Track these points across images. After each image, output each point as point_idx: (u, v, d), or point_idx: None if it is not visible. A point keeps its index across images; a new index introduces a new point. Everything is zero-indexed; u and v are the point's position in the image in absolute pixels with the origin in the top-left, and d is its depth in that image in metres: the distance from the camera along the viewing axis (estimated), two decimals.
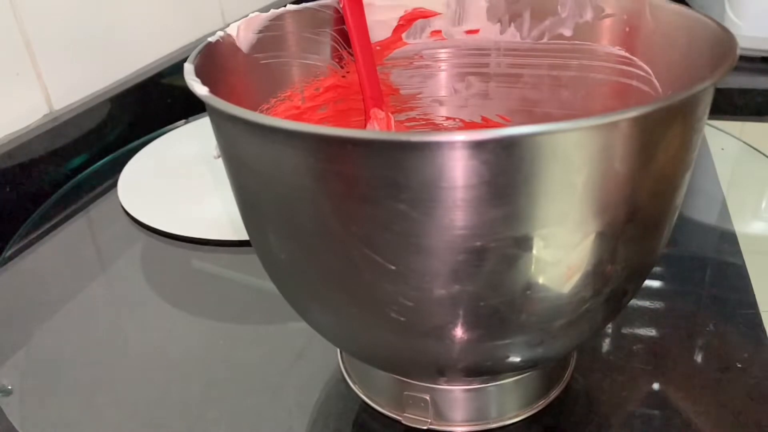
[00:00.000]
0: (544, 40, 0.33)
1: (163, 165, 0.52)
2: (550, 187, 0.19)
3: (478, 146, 0.17)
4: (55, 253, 0.43)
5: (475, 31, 0.34)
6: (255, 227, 0.25)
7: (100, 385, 0.32)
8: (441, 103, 0.37)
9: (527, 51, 0.33)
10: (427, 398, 0.28)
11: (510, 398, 0.29)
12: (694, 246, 0.42)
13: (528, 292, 0.21)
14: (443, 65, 0.36)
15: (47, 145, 0.49)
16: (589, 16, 0.31)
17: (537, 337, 0.23)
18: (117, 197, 0.48)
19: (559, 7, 0.32)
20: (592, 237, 0.20)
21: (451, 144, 0.17)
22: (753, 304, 0.35)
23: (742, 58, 0.73)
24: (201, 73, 0.24)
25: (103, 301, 0.39)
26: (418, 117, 0.37)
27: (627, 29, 0.30)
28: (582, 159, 0.18)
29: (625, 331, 0.34)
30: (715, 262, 0.40)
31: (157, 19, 0.63)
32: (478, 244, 0.19)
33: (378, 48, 0.34)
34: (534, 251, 0.20)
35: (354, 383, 0.31)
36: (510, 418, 0.29)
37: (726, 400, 0.30)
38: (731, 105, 0.65)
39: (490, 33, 0.34)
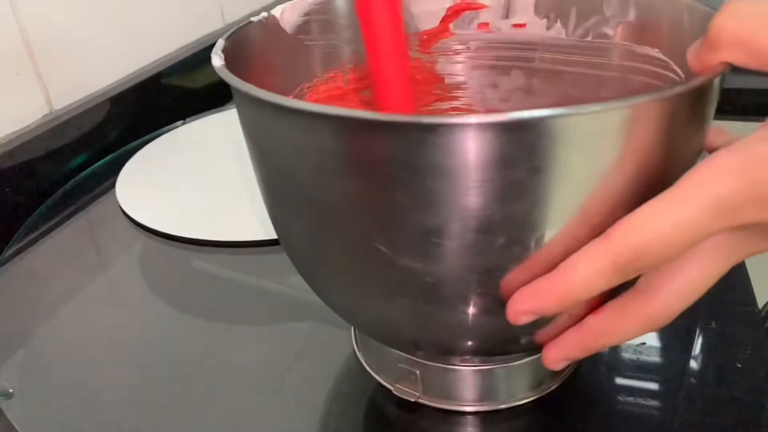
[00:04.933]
0: (588, 38, 0.33)
1: (161, 166, 0.52)
2: (567, 171, 0.19)
3: (489, 128, 0.18)
4: (54, 253, 0.43)
5: (522, 26, 0.34)
6: (275, 202, 0.25)
7: (100, 385, 0.32)
8: (484, 95, 0.37)
9: (570, 48, 0.34)
10: (417, 372, 0.28)
11: (515, 381, 0.29)
12: None
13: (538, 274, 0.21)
14: (488, 58, 0.36)
15: (47, 145, 0.49)
16: (632, 16, 0.31)
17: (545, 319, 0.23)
18: (116, 196, 0.48)
19: (604, 5, 0.32)
20: (608, 220, 0.20)
21: (463, 126, 0.18)
22: (753, 303, 0.35)
23: None
24: (236, 51, 0.25)
25: (102, 301, 0.39)
26: (461, 107, 0.37)
27: (665, 31, 0.30)
28: (597, 143, 0.19)
29: None
30: None
31: (157, 19, 0.63)
32: (496, 226, 0.20)
33: (425, 37, 0.35)
34: (546, 237, 0.20)
35: (359, 350, 0.32)
36: (517, 401, 0.29)
37: (726, 400, 0.30)
38: (731, 105, 0.65)
39: (536, 28, 0.34)
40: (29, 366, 0.34)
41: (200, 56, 0.66)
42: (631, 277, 0.19)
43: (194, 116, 0.60)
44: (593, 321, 0.22)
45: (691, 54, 0.22)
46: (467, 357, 0.28)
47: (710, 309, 0.35)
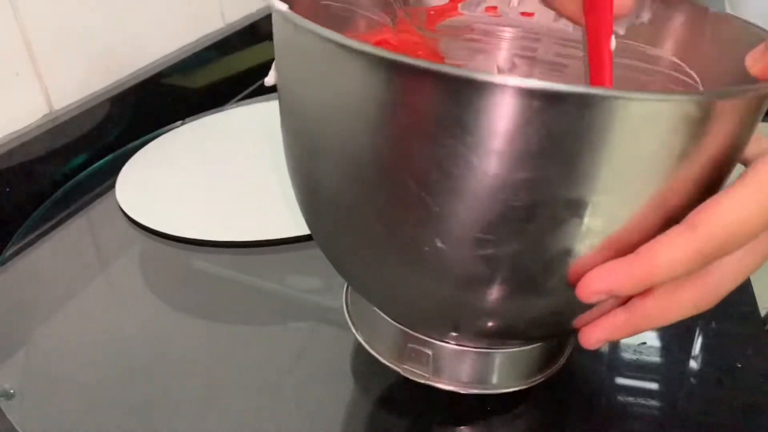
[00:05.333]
0: None
1: (160, 166, 0.52)
2: (614, 156, 0.19)
3: (552, 98, 0.17)
4: (54, 253, 0.43)
5: (530, 14, 0.34)
6: (304, 154, 0.25)
7: (100, 385, 0.32)
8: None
9: (577, 42, 0.33)
10: (430, 353, 0.28)
11: (513, 367, 0.29)
12: None
13: (567, 258, 0.21)
14: (492, 43, 0.35)
15: (47, 145, 0.49)
16: (646, 17, 0.31)
17: (561, 305, 0.23)
18: (116, 196, 0.48)
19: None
20: (643, 213, 0.20)
21: (524, 91, 0.17)
22: (753, 304, 0.35)
23: None
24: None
25: (102, 301, 0.39)
26: None
27: (683, 37, 0.30)
28: (654, 134, 0.18)
29: None
30: None
31: (157, 19, 0.63)
32: (528, 199, 0.19)
33: (432, 13, 0.34)
34: (584, 217, 0.20)
35: (357, 330, 0.31)
36: (511, 387, 0.29)
37: (726, 400, 0.30)
38: None
39: (544, 18, 0.34)
40: (29, 366, 0.34)
41: (200, 56, 0.66)
42: (709, 264, 0.20)
43: (194, 116, 0.60)
44: (643, 303, 0.22)
45: (753, 60, 0.23)
46: (468, 335, 0.27)
47: (710, 310, 0.35)
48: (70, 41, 0.53)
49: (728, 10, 0.74)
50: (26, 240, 0.44)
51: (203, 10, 0.69)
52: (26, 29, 0.49)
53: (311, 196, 0.26)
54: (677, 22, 0.30)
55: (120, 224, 0.46)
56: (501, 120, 0.18)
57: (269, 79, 0.26)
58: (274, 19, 0.24)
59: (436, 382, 0.29)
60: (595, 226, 0.20)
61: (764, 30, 0.26)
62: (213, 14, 0.71)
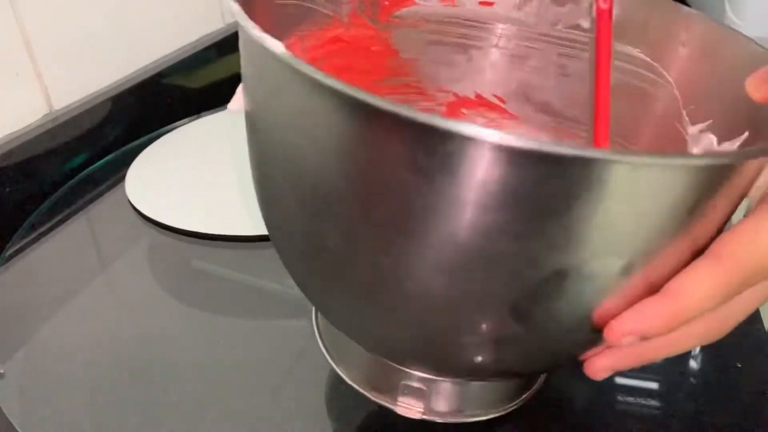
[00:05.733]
0: (559, 26, 0.31)
1: (169, 162, 0.52)
2: (594, 218, 0.17)
3: (520, 156, 0.16)
4: (54, 252, 0.43)
5: (490, 4, 0.33)
6: (271, 191, 0.24)
7: (100, 385, 0.32)
8: (437, 73, 0.34)
9: (539, 35, 0.32)
10: (425, 389, 0.27)
11: (491, 393, 0.29)
12: None
13: (531, 313, 0.20)
14: (448, 34, 0.34)
15: (47, 145, 0.49)
16: (613, 12, 0.30)
17: (562, 346, 0.22)
18: (116, 196, 0.48)
19: None
20: (622, 279, 0.19)
21: (510, 150, 0.16)
22: None
23: None
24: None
25: (102, 301, 0.39)
26: (411, 84, 0.34)
27: (653, 34, 0.29)
28: (646, 196, 0.17)
29: None
30: None
31: (157, 19, 0.63)
32: (492, 252, 0.18)
33: (386, 3, 0.32)
34: (569, 279, 0.19)
35: (335, 363, 0.30)
36: (493, 413, 0.28)
37: (726, 400, 0.30)
38: None
39: (504, 8, 0.32)
40: (29, 365, 0.34)
41: (200, 56, 0.66)
42: (738, 294, 0.20)
43: (198, 114, 0.60)
44: None
45: (755, 87, 0.22)
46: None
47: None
48: (70, 41, 0.53)
49: (728, 10, 0.74)
50: (26, 240, 0.44)
51: (203, 10, 0.69)
52: (26, 29, 0.49)
53: (273, 217, 0.25)
54: (650, 20, 0.29)
55: (121, 223, 0.46)
56: (481, 178, 0.16)
57: (233, 105, 0.25)
58: (241, 40, 0.23)
59: (434, 416, 0.27)
60: (605, 281, 0.19)
61: (734, 30, 0.26)
62: (213, 14, 0.71)
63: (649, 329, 0.20)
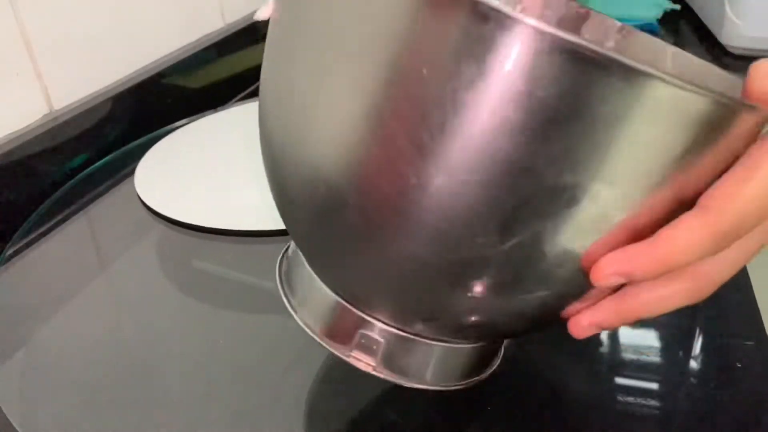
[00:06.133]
0: None
1: (176, 159, 0.53)
2: (622, 138, 0.18)
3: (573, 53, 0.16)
4: (55, 252, 0.43)
5: None
6: (295, 77, 0.23)
7: (100, 385, 0.32)
8: None
9: None
10: (381, 341, 0.26)
11: (448, 365, 0.28)
12: None
13: (566, 244, 0.20)
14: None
15: (47, 145, 0.49)
16: (608, 45, 0.31)
17: (556, 293, 0.22)
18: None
19: (582, 28, 0.31)
20: (655, 200, 0.20)
21: (566, 44, 0.16)
22: (753, 304, 0.35)
23: (742, 57, 0.73)
24: None
25: (102, 301, 0.39)
26: None
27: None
28: (678, 125, 0.18)
29: (624, 331, 0.34)
30: None
31: (157, 19, 0.63)
32: (530, 171, 0.18)
33: None
34: (585, 201, 0.19)
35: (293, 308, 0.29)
36: (445, 385, 0.28)
37: (726, 400, 0.30)
38: None
39: None
40: (29, 366, 0.34)
41: (200, 56, 0.66)
42: (726, 248, 0.20)
43: (200, 114, 0.60)
44: (636, 292, 0.22)
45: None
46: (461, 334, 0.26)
47: (710, 309, 0.35)
48: (70, 41, 0.53)
49: (728, 10, 0.74)
50: (26, 240, 0.44)
51: (203, 10, 0.69)
52: (26, 29, 0.49)
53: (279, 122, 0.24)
54: (641, 55, 0.29)
55: (121, 223, 0.46)
56: (526, 69, 0.17)
57: (261, 14, 0.24)
58: None
59: (383, 373, 0.27)
60: (604, 212, 0.20)
61: (723, 71, 0.27)
62: (213, 14, 0.71)
63: (635, 271, 0.20)
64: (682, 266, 0.20)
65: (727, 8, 0.74)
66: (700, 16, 0.87)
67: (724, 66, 0.72)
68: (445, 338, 0.26)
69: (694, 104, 0.18)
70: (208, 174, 0.50)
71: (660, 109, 0.18)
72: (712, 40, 0.78)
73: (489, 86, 0.17)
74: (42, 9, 0.50)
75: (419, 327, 0.26)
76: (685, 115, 0.18)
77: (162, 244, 0.43)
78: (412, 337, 0.26)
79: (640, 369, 0.32)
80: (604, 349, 0.33)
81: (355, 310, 0.26)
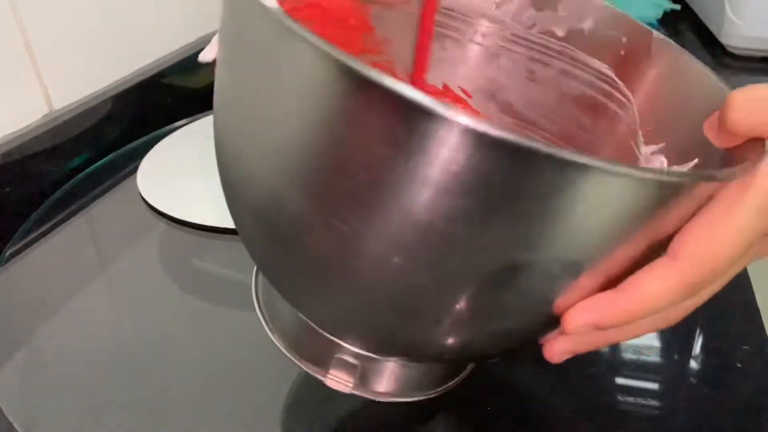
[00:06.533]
0: (534, 30, 0.32)
1: (178, 158, 0.53)
2: (553, 217, 0.17)
3: (516, 152, 0.16)
4: (54, 253, 0.43)
5: None
6: (234, 136, 0.23)
7: (100, 385, 0.32)
8: (409, 57, 0.34)
9: (514, 35, 0.32)
10: (358, 364, 0.27)
11: (424, 376, 0.28)
12: None
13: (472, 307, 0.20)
14: (454, 29, 0.34)
15: (47, 145, 0.49)
16: (587, 25, 0.30)
17: (522, 329, 0.23)
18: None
19: (560, 5, 0.31)
20: (569, 282, 0.19)
21: (487, 139, 0.16)
22: (753, 304, 0.35)
23: (742, 58, 0.73)
24: None
25: (102, 301, 0.39)
26: (382, 63, 0.34)
27: (622, 52, 0.29)
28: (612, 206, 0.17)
29: None
30: None
31: (157, 19, 0.63)
32: (463, 245, 0.18)
33: None
34: (522, 275, 0.19)
35: (272, 332, 0.29)
36: (421, 395, 0.28)
37: (726, 400, 0.30)
38: None
39: (484, 3, 0.33)
40: (29, 366, 0.34)
41: None
42: (696, 293, 0.20)
43: (201, 113, 0.60)
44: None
45: (710, 128, 0.23)
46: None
47: (710, 309, 0.35)
48: (70, 41, 0.53)
49: (728, 10, 0.74)
50: (26, 240, 0.44)
51: (203, 10, 0.69)
52: (26, 29, 0.49)
53: (234, 175, 0.24)
54: (620, 37, 0.30)
55: (121, 223, 0.46)
56: (449, 159, 0.16)
57: (206, 55, 0.24)
58: None
59: (362, 392, 0.27)
60: (565, 275, 0.19)
61: (699, 62, 0.26)
62: (213, 14, 0.71)
63: (603, 322, 0.20)
64: (652, 314, 0.20)
65: (727, 8, 0.74)
66: (700, 16, 0.87)
67: (724, 66, 0.72)
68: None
69: (638, 187, 0.17)
70: (209, 173, 0.50)
71: (604, 193, 0.17)
72: (712, 40, 0.78)
73: (422, 176, 0.17)
74: (42, 9, 0.50)
75: (385, 354, 0.26)
76: (630, 197, 0.17)
77: (162, 244, 0.43)
78: (384, 359, 0.27)
79: (640, 369, 0.32)
80: (604, 349, 0.33)
81: (325, 333, 0.26)
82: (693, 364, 0.32)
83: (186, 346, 0.35)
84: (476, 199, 0.17)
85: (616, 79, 0.30)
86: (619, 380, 0.31)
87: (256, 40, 0.20)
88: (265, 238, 0.24)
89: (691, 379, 0.31)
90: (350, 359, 0.26)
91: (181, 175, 0.50)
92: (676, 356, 0.32)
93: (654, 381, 0.31)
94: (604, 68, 0.30)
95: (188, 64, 0.65)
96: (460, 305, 0.20)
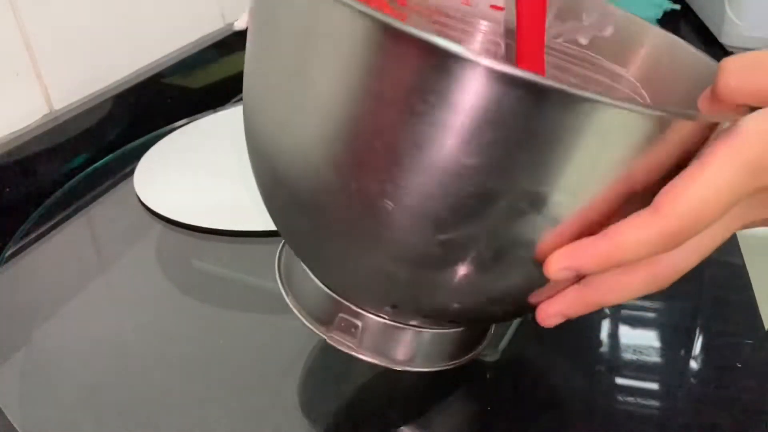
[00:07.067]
0: (560, 40, 0.33)
1: (176, 160, 0.53)
2: (578, 156, 0.19)
3: (534, 91, 0.18)
4: (55, 252, 0.43)
5: (500, 8, 0.34)
6: (268, 107, 0.24)
7: (100, 385, 0.32)
8: None
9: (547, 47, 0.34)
10: (359, 324, 0.28)
11: (446, 346, 0.29)
12: None
13: (523, 241, 0.21)
14: (456, 29, 0.35)
15: (47, 145, 0.49)
16: (608, 31, 0.31)
17: (517, 285, 0.23)
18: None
19: (584, 14, 0.32)
20: (605, 202, 0.21)
21: (507, 77, 0.18)
22: (753, 304, 0.35)
23: None
24: None
25: (102, 301, 0.39)
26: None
27: (640, 56, 0.30)
28: (620, 142, 0.19)
29: (624, 331, 0.34)
30: (715, 262, 0.40)
31: (157, 19, 0.63)
32: (488, 183, 0.20)
33: None
34: (543, 208, 0.20)
35: (288, 295, 0.31)
36: (423, 367, 0.29)
37: (726, 400, 0.30)
38: None
39: (512, 15, 0.33)
40: (29, 366, 0.34)
41: (200, 56, 0.66)
42: (677, 247, 0.21)
43: (199, 114, 0.60)
44: (598, 280, 0.23)
45: (704, 102, 0.23)
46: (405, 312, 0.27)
47: (710, 309, 0.35)
48: (70, 41, 0.53)
49: (728, 10, 0.74)
50: (26, 240, 0.44)
51: (203, 10, 0.69)
52: (26, 29, 0.49)
53: (267, 178, 0.26)
54: (638, 44, 0.30)
55: (121, 222, 0.46)
56: (475, 100, 0.18)
57: (240, 23, 0.25)
58: None
59: (362, 354, 0.28)
60: (555, 215, 0.21)
61: (715, 62, 0.27)
62: (213, 14, 0.71)
63: (583, 266, 0.21)
64: (631, 262, 0.21)
65: (727, 8, 0.74)
66: (700, 16, 0.87)
67: None
68: (419, 324, 0.28)
69: (631, 121, 0.19)
70: (207, 174, 0.50)
71: (604, 127, 0.19)
72: (712, 40, 0.78)
73: (449, 119, 0.19)
74: (42, 9, 0.50)
75: (390, 312, 0.27)
76: (626, 130, 0.19)
77: (161, 244, 0.43)
78: (390, 322, 0.28)
79: (640, 369, 0.32)
80: (604, 348, 0.33)
81: (335, 296, 0.28)
82: (693, 364, 0.32)
83: (186, 346, 0.35)
84: (501, 138, 0.19)
85: (637, 84, 0.30)
86: (619, 380, 0.31)
87: (285, 4, 0.22)
88: (294, 208, 0.25)
89: (691, 379, 0.31)
90: (353, 319, 0.28)
91: (178, 177, 0.50)
92: (676, 356, 0.32)
93: (654, 381, 0.31)
94: (624, 72, 0.31)
95: (188, 64, 0.65)
96: (478, 256, 0.22)
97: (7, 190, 0.46)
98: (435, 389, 0.31)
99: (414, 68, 0.19)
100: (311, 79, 0.21)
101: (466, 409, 0.30)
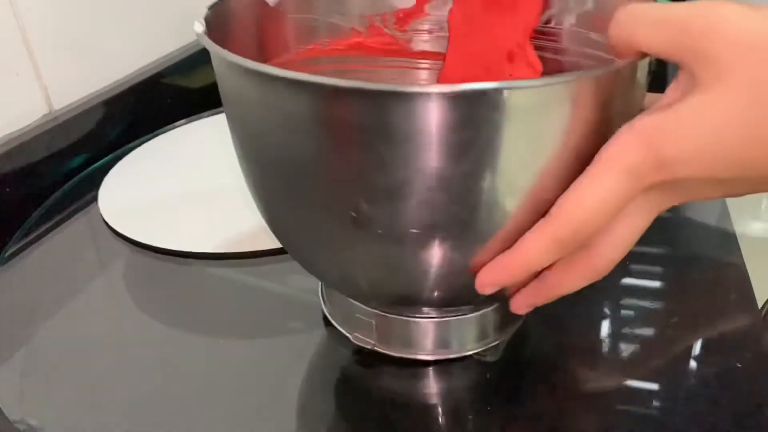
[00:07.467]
0: (551, 24, 0.34)
1: (144, 175, 0.51)
2: (511, 142, 0.21)
3: (448, 98, 0.20)
4: (54, 253, 0.43)
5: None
6: (251, 165, 0.27)
7: (100, 385, 0.32)
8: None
9: (538, 47, 0.34)
10: (373, 322, 0.31)
11: (465, 333, 0.32)
12: (694, 246, 0.42)
13: (476, 229, 0.23)
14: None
15: (47, 145, 0.49)
16: (589, 5, 0.32)
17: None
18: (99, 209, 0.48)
19: None
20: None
21: (424, 96, 0.20)
22: (753, 304, 0.35)
23: None
24: (218, 23, 0.29)
25: (102, 301, 0.39)
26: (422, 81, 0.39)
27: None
28: (540, 116, 0.21)
29: (624, 331, 0.34)
30: (715, 262, 0.40)
31: (157, 19, 0.63)
32: (451, 186, 0.22)
33: (401, 15, 0.37)
34: (488, 188, 0.22)
35: (335, 320, 0.34)
36: (439, 354, 0.31)
37: (726, 400, 0.30)
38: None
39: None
40: (29, 366, 0.34)
41: (200, 56, 0.66)
42: (575, 249, 0.23)
43: (190, 118, 0.60)
44: (548, 274, 0.25)
45: (610, 36, 0.24)
46: (425, 309, 0.30)
47: (710, 309, 0.35)
48: (70, 41, 0.53)
49: None
50: (26, 240, 0.44)
51: (203, 10, 0.69)
52: (26, 29, 0.49)
53: (262, 202, 0.29)
54: (616, 7, 0.31)
55: None
56: (406, 121, 0.21)
57: None
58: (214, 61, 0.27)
59: (383, 348, 0.31)
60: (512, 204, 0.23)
61: None
62: None
63: (503, 280, 0.24)
64: (539, 268, 0.24)
65: None
66: None
67: None
68: (424, 315, 0.30)
69: (536, 96, 0.21)
70: (173, 192, 0.48)
71: (515, 109, 0.21)
72: None
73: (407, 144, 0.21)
74: (42, 9, 0.50)
75: (384, 305, 0.30)
76: (537, 106, 0.21)
77: (151, 253, 0.43)
78: (400, 317, 0.30)
79: (640, 369, 0.32)
80: (605, 348, 0.33)
81: (350, 299, 0.32)
82: (693, 364, 0.32)
83: (186, 346, 0.35)
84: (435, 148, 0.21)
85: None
86: (619, 380, 0.31)
87: (230, 91, 0.27)
88: (294, 229, 0.28)
89: (691, 379, 0.31)
90: (368, 318, 0.31)
91: (144, 196, 0.48)
92: (675, 356, 0.32)
93: (654, 381, 0.31)
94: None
95: (188, 64, 0.65)
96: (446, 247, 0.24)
97: (7, 190, 0.46)
98: (435, 389, 0.31)
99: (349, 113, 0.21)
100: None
101: (466, 408, 0.30)
